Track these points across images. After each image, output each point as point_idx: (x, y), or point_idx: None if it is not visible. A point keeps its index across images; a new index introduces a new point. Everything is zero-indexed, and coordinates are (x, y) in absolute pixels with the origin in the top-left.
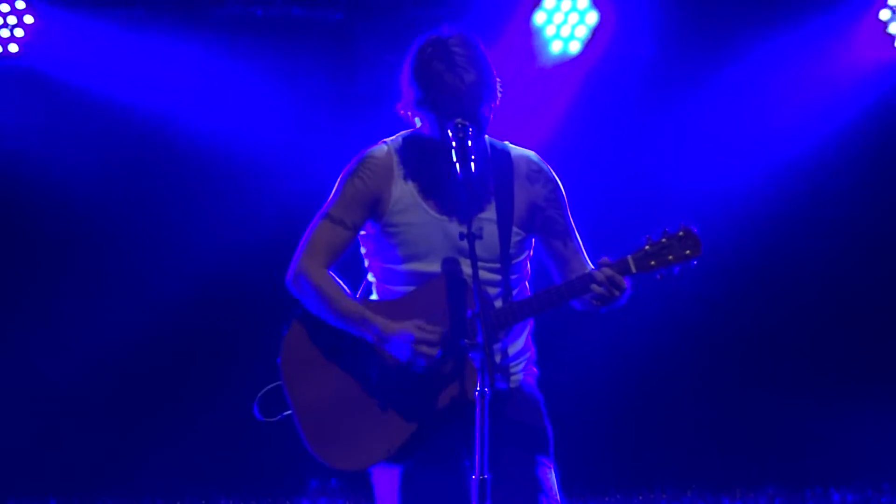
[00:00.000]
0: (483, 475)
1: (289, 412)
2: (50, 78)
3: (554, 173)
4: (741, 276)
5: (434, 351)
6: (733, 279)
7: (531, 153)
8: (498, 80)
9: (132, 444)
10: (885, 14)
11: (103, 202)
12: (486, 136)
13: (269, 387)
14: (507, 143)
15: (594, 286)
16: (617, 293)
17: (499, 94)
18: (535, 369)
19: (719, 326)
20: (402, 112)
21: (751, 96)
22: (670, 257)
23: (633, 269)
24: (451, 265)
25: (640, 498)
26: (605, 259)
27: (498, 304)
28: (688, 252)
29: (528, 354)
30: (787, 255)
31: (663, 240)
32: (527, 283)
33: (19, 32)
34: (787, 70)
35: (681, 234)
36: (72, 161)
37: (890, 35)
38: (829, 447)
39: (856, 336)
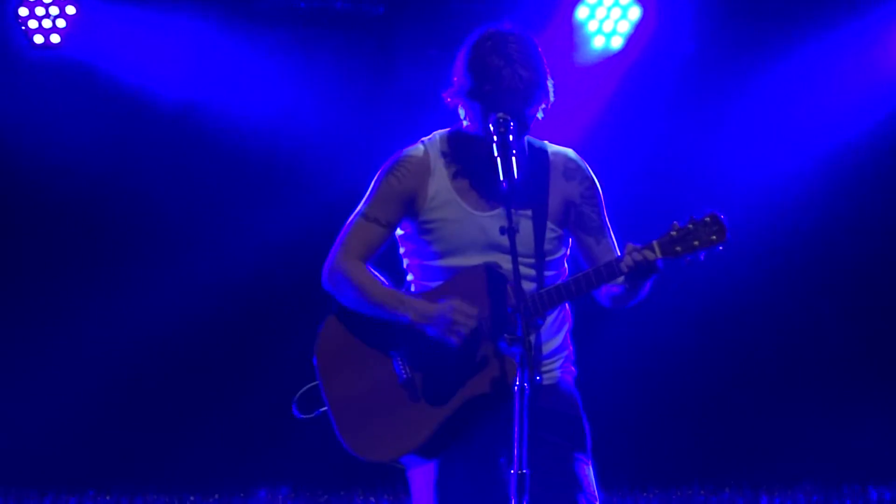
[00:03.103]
0: (522, 470)
1: (325, 408)
2: (92, 69)
3: (591, 171)
4: (775, 273)
5: (472, 322)
6: (766, 276)
7: (569, 150)
8: (551, 82)
9: (163, 440)
10: None
11: (143, 194)
12: (526, 135)
13: (308, 386)
14: (545, 141)
15: (623, 266)
16: (649, 274)
17: (551, 98)
18: (572, 368)
19: (756, 322)
20: (448, 99)
21: (788, 96)
22: (696, 243)
23: (659, 254)
24: (487, 259)
25: (679, 494)
26: (630, 244)
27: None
28: (713, 238)
29: (565, 353)
30: (819, 252)
31: (689, 225)
32: None
33: (61, 23)
34: (825, 71)
35: (707, 219)
36: (111, 153)
37: None
38: (866, 444)
39: (892, 332)
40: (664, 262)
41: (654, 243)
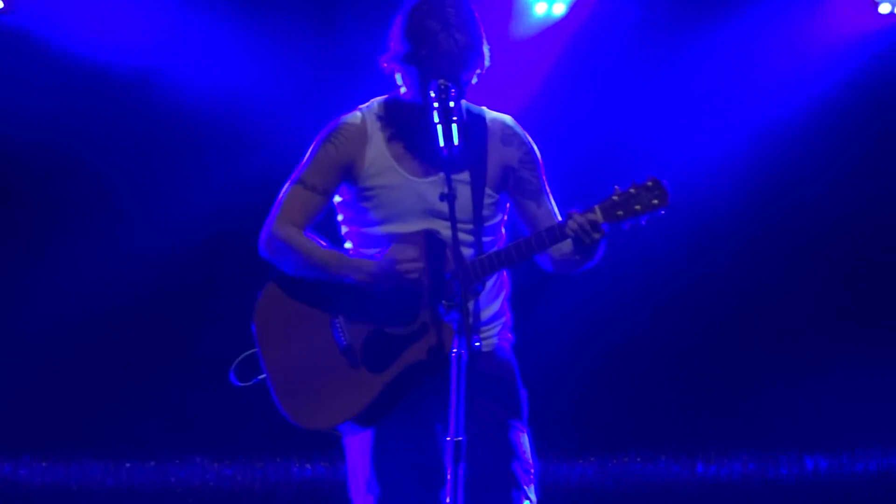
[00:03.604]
0: (457, 437)
1: (263, 376)
2: (30, 38)
3: (529, 137)
4: (713, 241)
5: (420, 264)
6: (705, 245)
7: (506, 117)
8: (488, 47)
9: (99, 406)
10: None
11: (80, 162)
12: (463, 101)
13: (246, 353)
14: (483, 107)
15: (568, 230)
16: (596, 235)
17: (487, 63)
18: (510, 335)
19: (693, 292)
20: (384, 65)
21: (734, 63)
22: (637, 207)
23: (601, 218)
24: (425, 226)
25: (615, 462)
26: (572, 210)
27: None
28: (655, 202)
29: (503, 319)
30: (764, 221)
31: (631, 190)
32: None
33: None
34: (772, 36)
35: (649, 183)
36: (51, 120)
37: (874, 2)
38: (802, 413)
39: (828, 302)
40: (607, 227)
41: (596, 207)
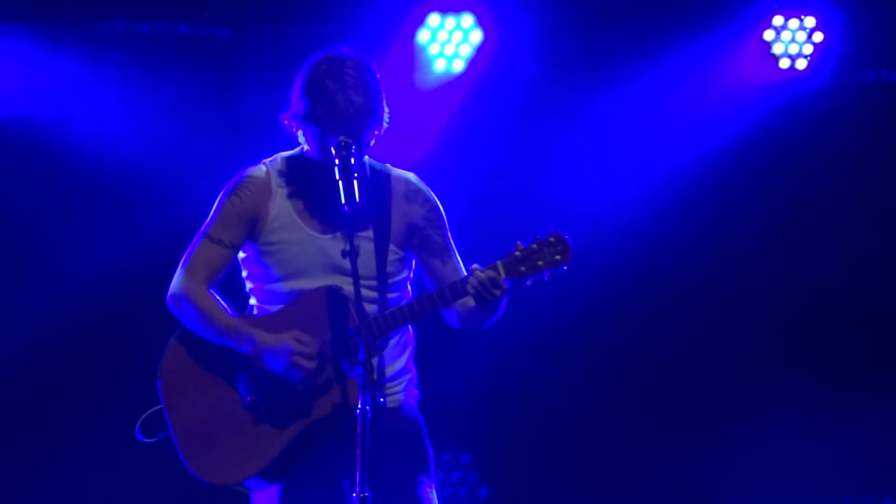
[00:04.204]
0: (364, 493)
1: (167, 433)
2: None
3: (433, 194)
4: (620, 290)
5: (311, 364)
6: (607, 289)
7: (410, 174)
8: (387, 109)
9: (11, 470)
10: (769, 35)
11: None
12: (366, 157)
13: (151, 410)
14: (387, 164)
15: (469, 287)
16: (496, 292)
17: (385, 123)
18: (416, 391)
19: (606, 338)
20: (285, 122)
21: (634, 116)
22: (540, 263)
23: (503, 274)
24: (328, 282)
25: None
26: (475, 266)
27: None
28: (558, 257)
29: (409, 375)
30: (671, 266)
31: (534, 245)
32: None
33: None
34: (672, 89)
35: (551, 239)
36: None
37: (773, 55)
38: (724, 465)
39: (769, 354)
40: (509, 283)
41: (498, 263)
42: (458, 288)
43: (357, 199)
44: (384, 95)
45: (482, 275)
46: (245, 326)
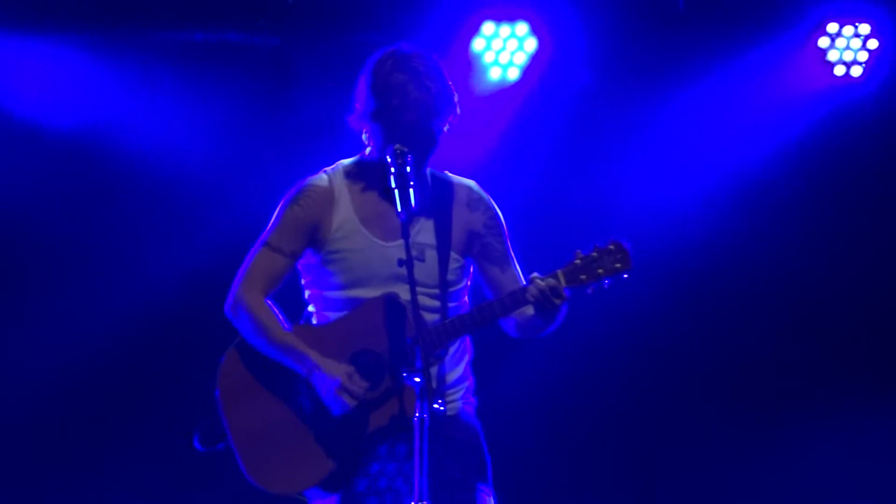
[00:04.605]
0: (422, 501)
1: (227, 441)
2: None
3: (493, 202)
4: (680, 300)
5: (353, 402)
6: (669, 302)
7: (471, 182)
8: (456, 96)
9: (62, 479)
10: (823, 42)
11: (34, 229)
12: (428, 170)
13: (209, 418)
14: (447, 172)
15: (529, 296)
16: (557, 301)
17: (457, 111)
18: (473, 399)
19: (661, 352)
20: (352, 125)
21: (688, 124)
22: (600, 271)
23: (563, 283)
24: (390, 290)
25: None
26: (535, 274)
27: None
28: (618, 265)
29: (466, 384)
30: (727, 276)
31: (593, 254)
32: None
33: None
34: (726, 97)
35: (611, 247)
36: (7, 185)
37: (828, 62)
38: (768, 470)
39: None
40: (570, 291)
41: (559, 272)
42: (519, 297)
43: (412, 207)
44: (452, 84)
45: (542, 283)
46: (301, 346)
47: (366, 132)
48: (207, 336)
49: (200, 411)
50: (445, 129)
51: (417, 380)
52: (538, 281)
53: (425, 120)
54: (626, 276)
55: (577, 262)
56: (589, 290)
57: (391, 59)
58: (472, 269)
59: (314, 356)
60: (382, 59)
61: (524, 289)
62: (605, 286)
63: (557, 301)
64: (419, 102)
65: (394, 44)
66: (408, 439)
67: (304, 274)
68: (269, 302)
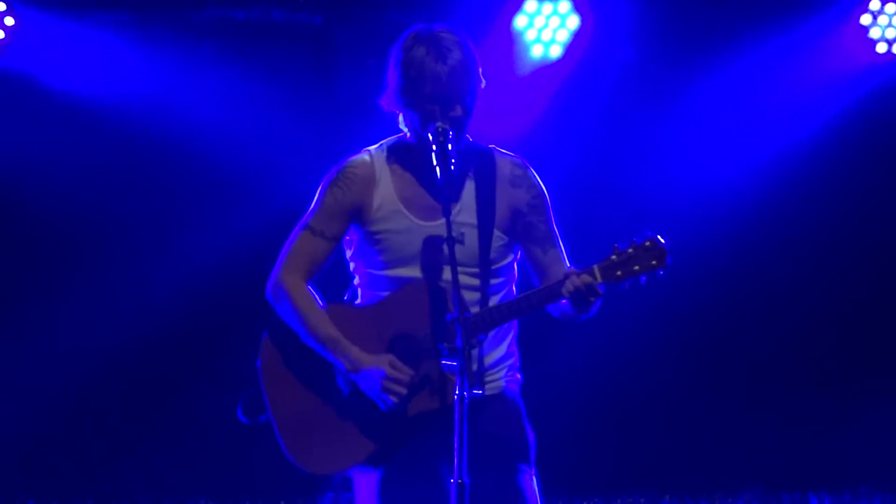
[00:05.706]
0: (461, 479)
1: (267, 417)
2: (31, 80)
3: (538, 179)
4: (720, 279)
5: (403, 391)
6: (712, 282)
7: (516, 158)
8: (481, 68)
9: (114, 448)
10: (865, 19)
11: (81, 207)
12: (469, 137)
13: (251, 389)
14: (492, 146)
15: (564, 291)
16: (592, 298)
17: (482, 82)
18: (518, 375)
19: (699, 330)
20: (384, 106)
21: (731, 101)
22: (636, 268)
23: (600, 279)
24: (431, 270)
25: (619, 502)
26: (572, 269)
27: (475, 309)
28: (654, 262)
29: (510, 361)
30: (769, 256)
31: (630, 250)
32: (513, 288)
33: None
34: (769, 74)
35: (647, 244)
36: (52, 165)
37: (871, 39)
38: (806, 451)
39: (836, 338)
40: (605, 287)
41: (595, 268)
42: (554, 291)
43: (455, 187)
44: (477, 56)
45: (578, 280)
46: (343, 342)
47: (400, 114)
48: (251, 317)
49: (244, 382)
50: (472, 103)
51: (454, 363)
52: (574, 277)
53: (443, 91)
54: (661, 273)
55: (614, 257)
56: (625, 286)
57: (413, 36)
58: (517, 246)
59: (355, 353)
60: (405, 38)
61: (560, 282)
62: (642, 282)
63: (592, 298)
64: (437, 74)
65: (419, 24)
66: (448, 418)
67: (349, 250)
68: (310, 287)
